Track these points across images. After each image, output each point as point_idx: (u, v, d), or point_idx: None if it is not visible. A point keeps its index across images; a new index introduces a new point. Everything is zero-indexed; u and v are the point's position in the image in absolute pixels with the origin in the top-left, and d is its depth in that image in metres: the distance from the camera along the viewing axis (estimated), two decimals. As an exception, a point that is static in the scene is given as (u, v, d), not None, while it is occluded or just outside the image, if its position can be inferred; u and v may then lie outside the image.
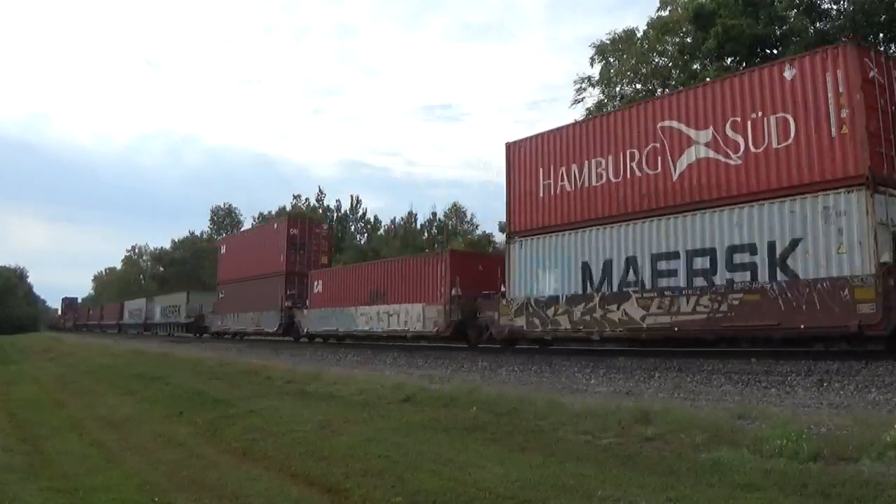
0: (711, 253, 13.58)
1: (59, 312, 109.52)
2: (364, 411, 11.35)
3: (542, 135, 17.94)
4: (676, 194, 14.46)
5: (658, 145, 14.94)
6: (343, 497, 6.82)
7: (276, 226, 33.75)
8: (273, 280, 31.63)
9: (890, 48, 25.30)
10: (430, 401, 11.53)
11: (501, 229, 52.39)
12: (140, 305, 59.66)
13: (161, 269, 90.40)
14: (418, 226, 66.63)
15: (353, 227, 71.75)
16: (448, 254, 22.11)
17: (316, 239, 32.48)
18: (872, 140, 11.66)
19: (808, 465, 6.25)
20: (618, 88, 33.31)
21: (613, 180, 15.84)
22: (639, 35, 33.14)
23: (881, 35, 25.20)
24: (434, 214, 69.32)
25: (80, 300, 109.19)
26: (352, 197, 73.50)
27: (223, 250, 40.47)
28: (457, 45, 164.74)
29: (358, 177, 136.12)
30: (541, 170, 17.69)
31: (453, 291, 20.50)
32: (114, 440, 11.36)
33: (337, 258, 57.23)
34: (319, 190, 76.93)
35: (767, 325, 12.49)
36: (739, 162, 13.37)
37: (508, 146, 18.85)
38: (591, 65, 34.08)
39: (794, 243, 12.34)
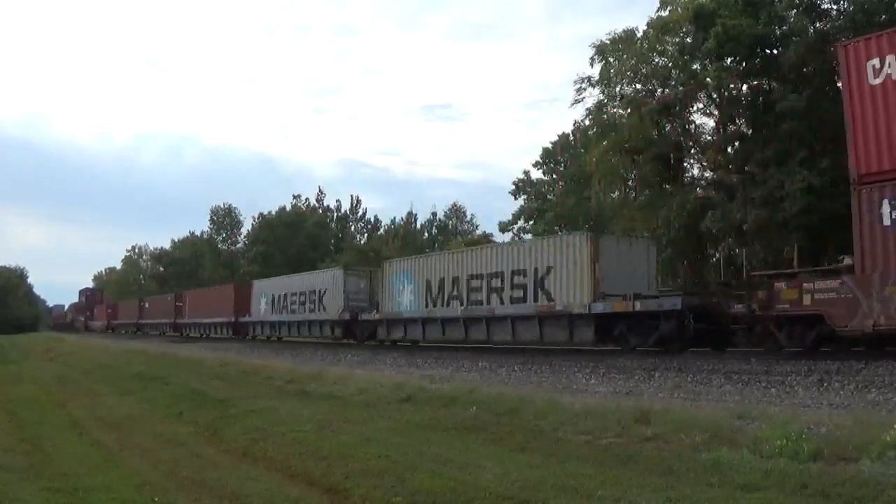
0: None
1: (66, 310, 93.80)
2: (364, 411, 11.36)
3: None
4: None
5: None
6: (343, 497, 6.82)
7: None
8: None
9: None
10: (430, 401, 11.54)
11: (501, 229, 52.59)
12: (322, 282, 27.64)
13: (161, 269, 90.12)
14: (418, 226, 66.64)
15: (353, 227, 71.86)
16: None
17: None
18: None
19: (808, 465, 6.24)
20: (618, 89, 33.26)
21: None
22: (639, 35, 33.09)
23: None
24: (434, 214, 69.34)
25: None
26: (352, 197, 73.64)
27: None
28: (457, 44, 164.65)
29: (358, 177, 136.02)
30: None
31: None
32: (114, 440, 11.35)
33: (336, 258, 56.68)
34: (319, 190, 76.84)
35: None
36: None
37: None
38: (591, 65, 34.01)
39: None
